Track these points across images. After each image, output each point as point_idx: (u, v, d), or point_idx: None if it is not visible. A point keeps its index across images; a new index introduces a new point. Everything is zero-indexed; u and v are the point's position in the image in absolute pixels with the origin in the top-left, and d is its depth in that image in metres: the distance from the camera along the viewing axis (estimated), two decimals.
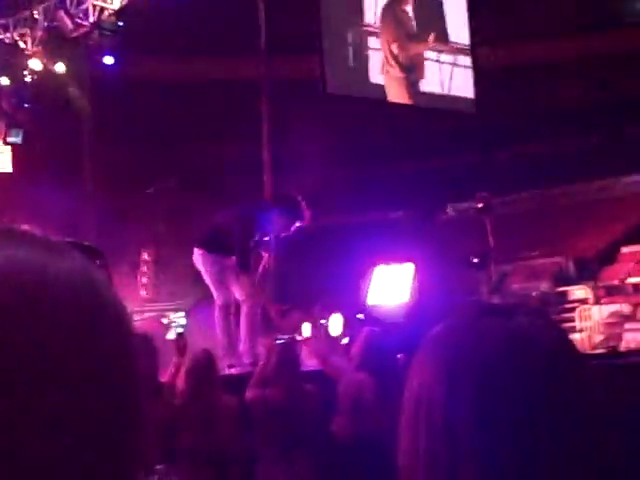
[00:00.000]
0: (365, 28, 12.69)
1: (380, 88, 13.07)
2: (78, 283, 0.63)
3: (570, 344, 0.90)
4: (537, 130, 13.62)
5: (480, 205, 9.05)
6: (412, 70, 13.55)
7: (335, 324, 7.62)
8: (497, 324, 0.87)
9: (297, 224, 6.54)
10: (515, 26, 14.69)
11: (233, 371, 6.21)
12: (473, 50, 14.17)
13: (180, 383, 4.59)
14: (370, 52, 12.67)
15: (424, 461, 0.85)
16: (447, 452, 0.83)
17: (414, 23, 13.61)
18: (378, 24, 12.95)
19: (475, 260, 9.46)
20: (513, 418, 0.81)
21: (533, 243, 11.70)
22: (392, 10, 13.46)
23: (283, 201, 6.67)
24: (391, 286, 8.17)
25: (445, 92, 13.83)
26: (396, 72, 13.32)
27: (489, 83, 13.60)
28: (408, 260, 8.30)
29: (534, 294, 10.06)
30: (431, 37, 13.66)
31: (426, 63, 13.69)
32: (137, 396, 0.65)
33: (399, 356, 5.84)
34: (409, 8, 13.57)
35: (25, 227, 0.68)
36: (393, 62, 13.26)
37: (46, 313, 0.60)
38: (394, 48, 13.23)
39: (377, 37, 12.79)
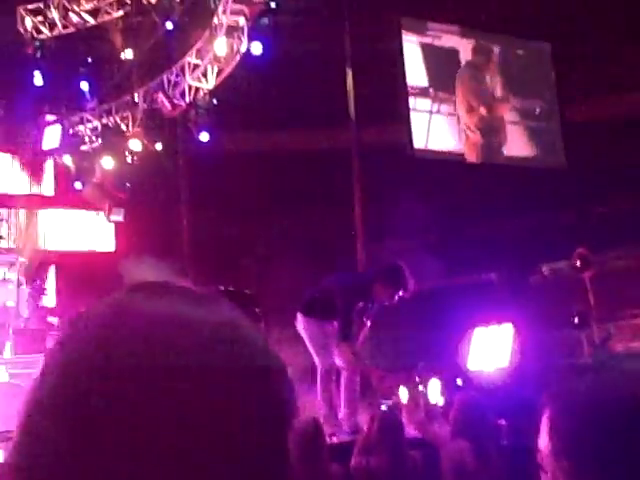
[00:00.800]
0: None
1: (457, 154, 13.12)
2: (224, 337, 0.61)
3: None
4: (633, 184, 13.33)
5: (578, 263, 8.88)
6: (493, 134, 13.54)
7: (433, 390, 7.54)
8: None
9: (400, 293, 6.54)
10: (602, 80, 14.55)
11: (334, 439, 6.22)
12: (561, 107, 14.11)
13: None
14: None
15: None
16: None
17: (494, 87, 13.65)
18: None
19: (576, 320, 9.21)
20: None
21: (636, 301, 11.32)
22: (470, 76, 13.55)
23: (387, 270, 6.66)
24: (490, 349, 8.05)
25: (531, 153, 13.73)
26: (477, 138, 13.34)
27: (580, 139, 13.46)
28: (506, 321, 8.18)
29: None
30: (512, 100, 13.64)
31: (508, 126, 13.65)
32: (286, 466, 0.63)
33: (501, 422, 5.74)
34: (488, 75, 13.64)
35: (181, 282, 0.68)
36: (473, 128, 13.28)
37: (187, 370, 0.59)
38: (473, 114, 13.28)
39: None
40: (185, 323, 0.61)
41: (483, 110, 13.45)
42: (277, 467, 0.62)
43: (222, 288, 8.30)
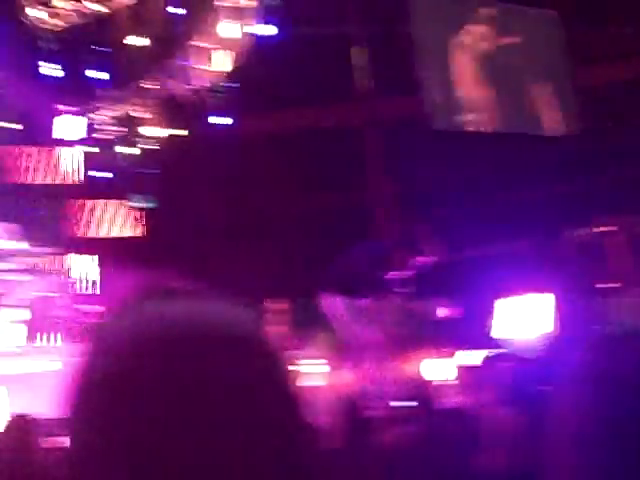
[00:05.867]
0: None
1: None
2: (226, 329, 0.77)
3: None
4: None
5: (611, 228, 8.75)
6: (504, 106, 13.24)
7: (470, 360, 7.47)
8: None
9: (421, 260, 6.47)
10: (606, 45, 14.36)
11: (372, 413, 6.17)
12: (573, 70, 13.80)
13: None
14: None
15: None
16: None
17: (500, 56, 13.32)
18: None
19: (605, 286, 9.11)
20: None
21: None
22: (470, 50, 13.22)
23: (407, 237, 6.63)
24: (520, 318, 7.97)
25: (545, 120, 13.47)
26: (486, 111, 13.05)
27: (593, 103, 13.24)
28: (537, 290, 8.12)
29: None
30: (519, 66, 13.33)
31: (523, 95, 13.35)
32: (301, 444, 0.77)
33: (541, 389, 5.65)
34: (491, 45, 13.32)
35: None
36: (479, 102, 12.99)
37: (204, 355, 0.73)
38: (477, 88, 13.00)
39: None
40: (199, 324, 0.75)
41: (486, 83, 13.17)
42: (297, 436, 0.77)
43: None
